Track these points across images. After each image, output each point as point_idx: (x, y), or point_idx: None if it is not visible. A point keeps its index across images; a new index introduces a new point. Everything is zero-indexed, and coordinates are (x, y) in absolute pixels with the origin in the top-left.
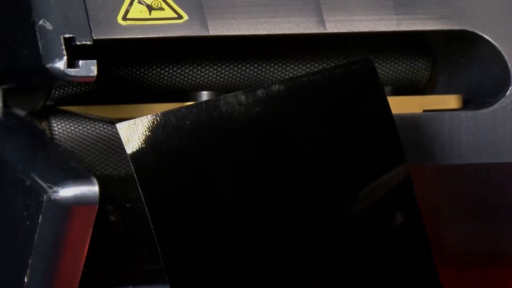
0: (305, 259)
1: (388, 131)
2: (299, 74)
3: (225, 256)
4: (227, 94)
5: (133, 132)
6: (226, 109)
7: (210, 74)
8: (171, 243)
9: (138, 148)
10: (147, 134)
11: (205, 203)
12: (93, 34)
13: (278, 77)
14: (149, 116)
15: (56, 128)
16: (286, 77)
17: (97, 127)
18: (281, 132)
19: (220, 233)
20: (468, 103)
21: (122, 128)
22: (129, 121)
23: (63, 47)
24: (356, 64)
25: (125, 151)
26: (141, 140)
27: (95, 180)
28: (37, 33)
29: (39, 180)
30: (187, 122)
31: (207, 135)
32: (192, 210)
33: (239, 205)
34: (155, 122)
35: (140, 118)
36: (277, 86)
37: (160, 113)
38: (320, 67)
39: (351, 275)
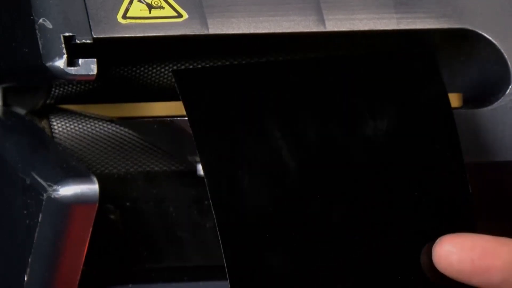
0: (358, 242)
1: (444, 121)
2: None
3: (285, 242)
4: (286, 59)
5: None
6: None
7: None
8: (229, 220)
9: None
10: (204, 84)
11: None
12: (93, 33)
13: None
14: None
15: (56, 127)
16: None
17: (97, 125)
18: (329, 106)
19: (279, 212)
20: (468, 102)
21: (178, 74)
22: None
23: (63, 45)
24: (417, 51)
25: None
26: (198, 89)
27: (95, 179)
28: (37, 31)
29: (39, 179)
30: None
31: (255, 94)
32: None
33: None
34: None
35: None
36: (332, 59)
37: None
38: None
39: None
